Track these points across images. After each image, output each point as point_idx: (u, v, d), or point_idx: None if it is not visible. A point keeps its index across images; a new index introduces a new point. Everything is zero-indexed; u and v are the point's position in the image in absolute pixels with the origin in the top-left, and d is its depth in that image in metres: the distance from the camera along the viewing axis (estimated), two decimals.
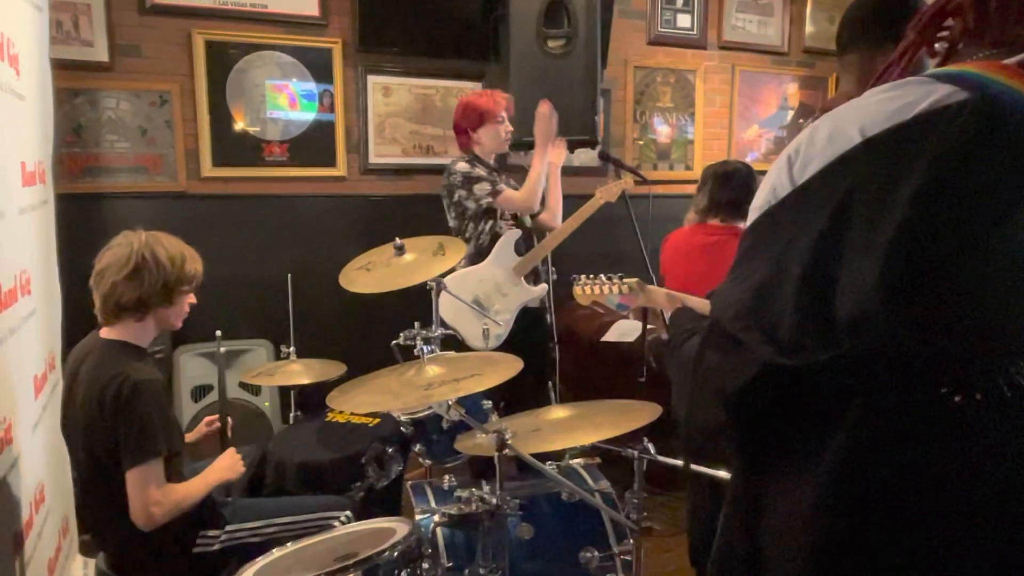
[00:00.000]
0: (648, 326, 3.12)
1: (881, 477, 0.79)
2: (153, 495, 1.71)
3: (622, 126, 4.14)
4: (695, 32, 4.21)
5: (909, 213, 0.71)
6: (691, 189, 4.33)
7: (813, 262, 0.77)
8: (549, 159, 2.86)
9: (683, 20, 4.19)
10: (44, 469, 2.22)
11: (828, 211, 0.76)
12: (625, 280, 1.86)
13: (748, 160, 4.51)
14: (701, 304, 1.65)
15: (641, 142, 4.21)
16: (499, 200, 2.78)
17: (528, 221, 2.94)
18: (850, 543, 0.80)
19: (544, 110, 2.85)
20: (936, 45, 0.94)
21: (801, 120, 4.59)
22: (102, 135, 3.13)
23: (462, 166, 2.83)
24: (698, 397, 0.94)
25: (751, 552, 0.89)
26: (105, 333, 1.90)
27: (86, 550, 2.71)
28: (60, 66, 2.72)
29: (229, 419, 2.13)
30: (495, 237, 2.84)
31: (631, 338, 3.34)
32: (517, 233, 2.88)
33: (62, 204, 2.74)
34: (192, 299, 1.94)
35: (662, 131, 4.26)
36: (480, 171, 2.82)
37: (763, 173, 0.92)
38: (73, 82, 2.99)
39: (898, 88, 0.81)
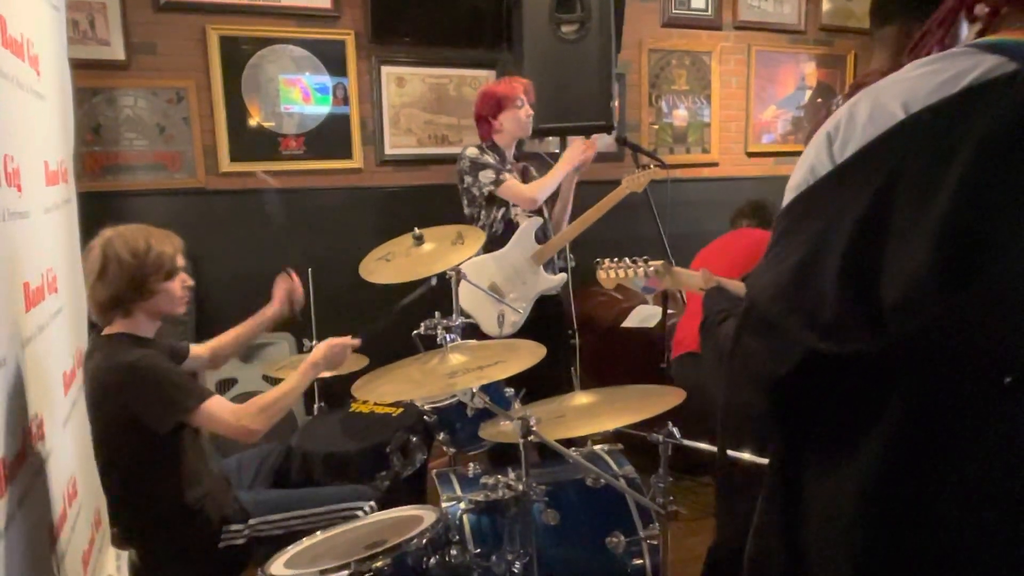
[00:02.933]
0: (668, 311, 3.12)
1: (931, 469, 0.76)
2: (231, 419, 1.72)
3: (637, 110, 4.11)
4: (710, 12, 4.16)
5: (960, 193, 0.69)
6: (708, 172, 4.32)
7: (856, 244, 0.74)
8: (567, 171, 2.87)
9: (697, 1, 4.14)
10: (75, 463, 2.26)
11: (871, 191, 0.74)
12: (651, 263, 1.84)
13: (765, 142, 4.46)
14: (734, 285, 1.62)
15: (657, 126, 4.18)
16: (500, 190, 2.77)
17: (545, 212, 2.93)
18: (898, 538, 0.78)
19: (584, 145, 2.90)
20: (976, 9, 0.89)
21: (819, 99, 4.52)
22: (121, 133, 3.16)
23: (471, 151, 2.82)
24: (735, 383, 0.91)
25: (790, 548, 0.87)
26: (107, 331, 1.92)
27: (119, 543, 2.76)
28: (78, 66, 2.74)
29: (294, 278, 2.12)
30: (509, 224, 2.83)
31: (651, 324, 3.33)
32: (538, 221, 2.87)
33: (84, 203, 2.77)
34: (183, 281, 1.90)
35: (678, 114, 4.22)
36: (488, 158, 2.81)
37: (782, 155, 0.90)
38: (91, 81, 3.02)
39: (942, 60, 0.78)
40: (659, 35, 4.09)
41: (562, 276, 2.94)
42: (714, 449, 1.79)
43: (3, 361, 1.51)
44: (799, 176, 0.85)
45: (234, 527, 1.84)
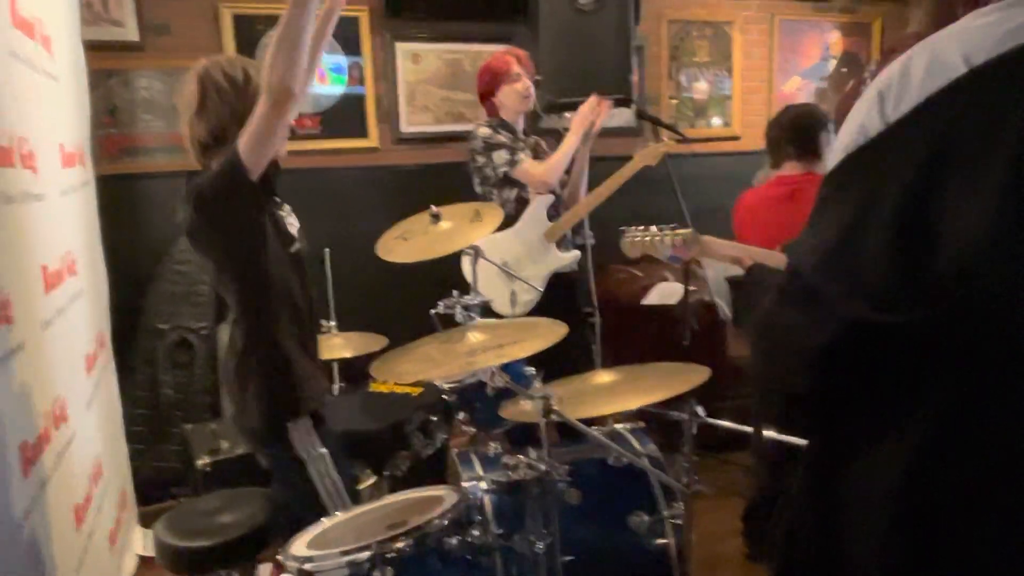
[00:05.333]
0: (690, 287, 3.07)
1: (982, 450, 0.72)
2: (261, 108, 1.51)
3: (657, 83, 4.02)
4: None
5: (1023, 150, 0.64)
6: (730, 147, 4.23)
7: (910, 207, 0.69)
8: (579, 137, 2.77)
9: None
10: (100, 445, 2.28)
11: (928, 150, 0.69)
12: (678, 231, 1.78)
13: None
14: (767, 256, 1.57)
15: (677, 99, 4.09)
16: (516, 172, 2.73)
17: (557, 189, 2.88)
18: (944, 521, 0.74)
19: (591, 102, 2.77)
20: None
21: (844, 69, 4.40)
22: (137, 115, 3.15)
23: (483, 131, 2.77)
24: (773, 356, 0.87)
25: (829, 523, 0.84)
26: None
27: (144, 522, 2.80)
28: (92, 47, 2.73)
29: None
30: (522, 203, 2.78)
31: (672, 301, 3.29)
32: (550, 198, 2.82)
33: (102, 186, 2.78)
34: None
35: (698, 87, 4.13)
36: (501, 137, 2.76)
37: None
38: (106, 63, 3.00)
39: (1007, 8, 0.72)
40: (679, 5, 3.99)
41: (575, 253, 2.89)
42: (738, 427, 1.76)
43: (21, 344, 1.52)
44: (847, 136, 0.79)
45: (314, 430, 1.74)
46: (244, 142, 1.54)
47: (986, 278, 0.65)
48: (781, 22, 4.19)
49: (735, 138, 4.23)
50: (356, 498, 1.91)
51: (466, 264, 2.57)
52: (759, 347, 0.89)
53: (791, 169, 2.56)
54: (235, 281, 1.67)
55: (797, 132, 2.55)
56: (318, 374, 1.84)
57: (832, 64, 4.41)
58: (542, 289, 2.79)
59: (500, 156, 2.72)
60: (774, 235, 2.60)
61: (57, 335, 1.85)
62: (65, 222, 2.09)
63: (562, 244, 2.88)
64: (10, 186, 1.54)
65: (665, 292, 3.36)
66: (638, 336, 3.46)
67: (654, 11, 3.89)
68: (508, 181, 2.77)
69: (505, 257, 2.74)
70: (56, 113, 2.10)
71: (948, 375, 0.72)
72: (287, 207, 1.83)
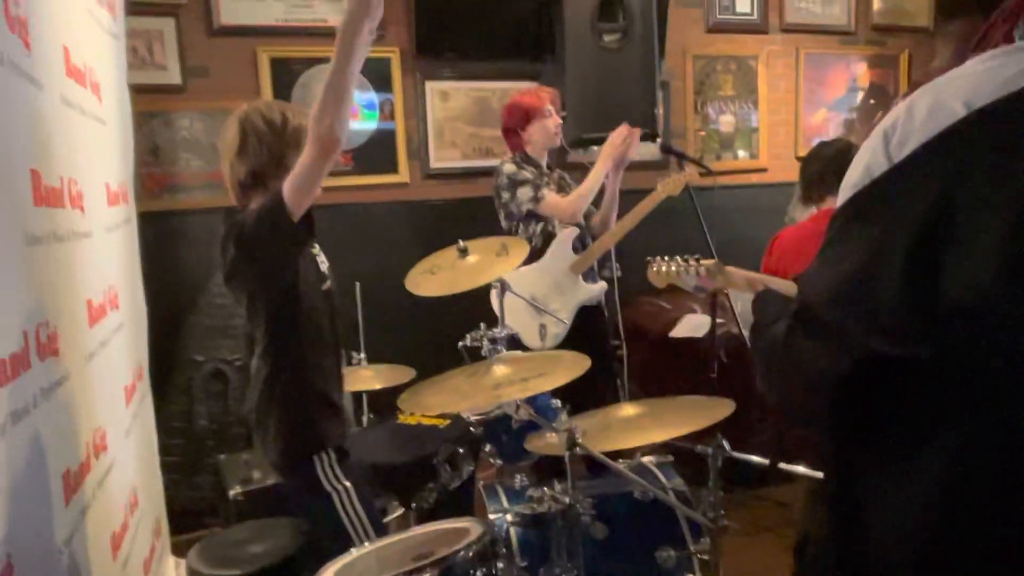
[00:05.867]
0: (717, 320, 3.06)
1: (999, 478, 0.73)
2: (309, 150, 1.57)
3: (683, 117, 4.06)
4: (755, 16, 4.10)
5: None
6: (757, 179, 4.24)
7: (919, 245, 0.71)
8: (607, 169, 2.81)
9: (742, 5, 4.08)
10: (136, 474, 2.34)
11: (933, 191, 0.71)
12: (703, 261, 1.80)
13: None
14: (786, 286, 1.58)
15: (703, 133, 4.13)
16: (541, 207, 2.77)
17: (583, 221, 2.92)
18: (965, 547, 0.75)
19: (621, 131, 2.80)
20: None
21: (872, 101, 4.40)
22: (178, 154, 3.27)
23: (508, 168, 2.82)
24: (789, 387, 0.89)
25: (850, 556, 0.85)
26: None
27: (177, 551, 2.84)
28: (137, 90, 2.86)
29: None
30: (548, 237, 2.83)
31: (700, 333, 3.28)
32: (575, 232, 2.86)
33: (143, 221, 2.88)
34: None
35: (725, 120, 4.16)
36: (526, 173, 2.80)
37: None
38: (149, 105, 3.13)
39: (1005, 55, 0.75)
40: (704, 41, 4.05)
41: (602, 285, 2.91)
42: (762, 461, 1.75)
43: (67, 375, 1.58)
44: (855, 175, 0.82)
45: (337, 464, 1.78)
46: (289, 185, 1.61)
47: (991, 316, 0.67)
48: (806, 55, 4.22)
49: (762, 170, 4.25)
50: (382, 530, 1.93)
51: (494, 297, 2.61)
52: (776, 376, 0.90)
53: (834, 203, 2.55)
54: (267, 317, 1.73)
55: (843, 166, 2.55)
56: (343, 409, 1.88)
57: (859, 96, 4.41)
58: (569, 322, 2.81)
59: (524, 193, 2.77)
60: (796, 268, 2.58)
61: (99, 367, 1.91)
62: (109, 258, 2.17)
63: (588, 276, 2.91)
64: (60, 226, 1.62)
65: (693, 324, 3.35)
66: (666, 368, 3.45)
67: (679, 47, 3.95)
68: (533, 216, 2.81)
69: (533, 291, 2.78)
70: (103, 154, 2.20)
71: (963, 407, 0.73)
72: (318, 246, 1.89)
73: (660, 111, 3.42)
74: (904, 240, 0.72)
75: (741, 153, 4.21)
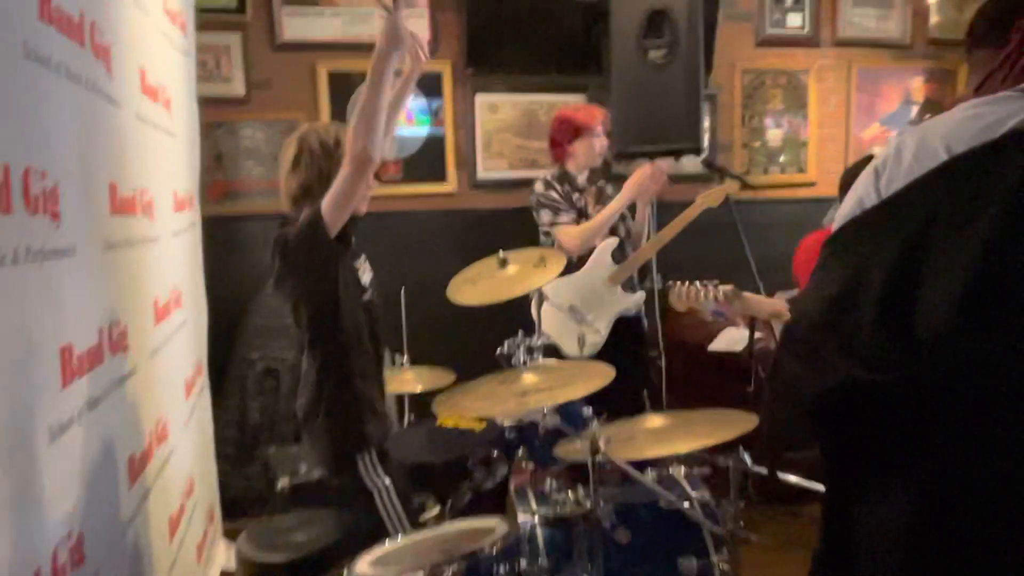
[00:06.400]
0: (756, 335, 3.07)
1: (972, 496, 0.78)
2: (346, 168, 1.70)
3: (730, 131, 4.07)
4: (807, 30, 4.08)
5: (992, 235, 0.72)
6: (805, 193, 4.21)
7: (895, 278, 0.78)
8: (624, 204, 2.85)
9: (794, 19, 4.07)
10: (193, 462, 2.50)
11: (911, 227, 0.78)
12: (720, 287, 1.87)
13: None
14: None
15: (752, 146, 4.13)
16: (555, 232, 2.83)
17: (622, 230, 2.96)
18: (944, 561, 0.80)
19: (644, 171, 2.85)
20: None
21: (927, 116, 4.32)
22: (240, 162, 3.46)
23: (539, 187, 2.90)
24: (779, 402, 0.96)
25: (845, 558, 0.90)
26: None
27: (228, 536, 3.01)
28: (204, 102, 3.04)
29: None
30: (588, 250, 2.90)
31: (738, 348, 3.28)
32: (614, 241, 2.93)
33: (206, 225, 3.06)
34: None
35: (773, 134, 4.15)
36: (553, 194, 2.87)
37: None
38: (215, 115, 3.32)
39: (988, 104, 0.81)
40: (753, 55, 4.05)
41: (640, 295, 2.96)
42: (789, 478, 1.79)
43: (135, 369, 1.73)
44: (847, 206, 0.89)
45: (379, 463, 1.89)
46: (327, 201, 1.74)
47: (953, 349, 0.73)
48: (859, 69, 4.18)
49: (810, 184, 4.22)
50: (418, 525, 2.03)
51: (534, 307, 2.70)
52: (769, 392, 0.97)
53: None
54: (309, 324, 1.86)
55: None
56: (384, 411, 1.99)
57: (914, 110, 4.34)
58: (606, 332, 2.87)
59: (545, 216, 2.86)
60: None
61: (163, 362, 2.07)
62: (175, 260, 2.34)
63: (628, 286, 2.96)
64: (132, 232, 1.78)
65: (732, 339, 3.36)
66: (703, 381, 3.47)
67: (727, 61, 3.96)
68: None
69: (572, 300, 2.85)
70: (172, 164, 2.37)
71: (938, 431, 0.78)
72: (363, 257, 2.01)
73: (706, 124, 3.45)
74: (882, 271, 0.78)
75: (789, 167, 4.19)
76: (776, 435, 0.98)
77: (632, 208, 2.99)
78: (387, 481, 1.91)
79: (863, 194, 0.85)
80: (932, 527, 0.81)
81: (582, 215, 2.92)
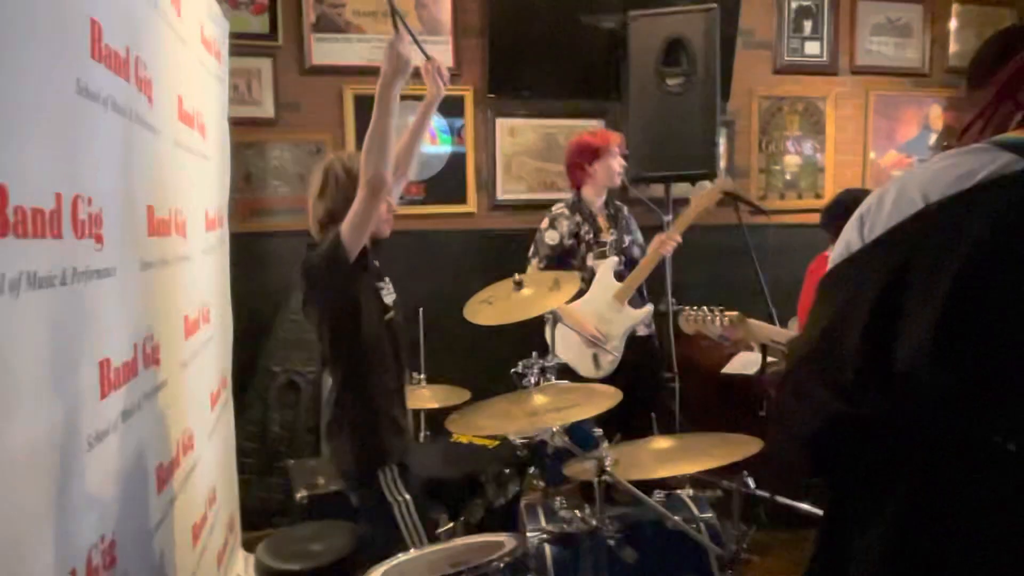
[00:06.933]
0: (768, 359, 3.11)
1: (944, 529, 0.83)
2: (360, 194, 1.77)
3: (747, 156, 4.13)
4: (825, 58, 4.13)
5: (961, 276, 0.78)
6: (818, 218, 4.24)
7: (875, 315, 0.84)
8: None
9: (812, 47, 4.12)
10: (216, 472, 2.59)
11: (891, 268, 0.84)
12: (726, 313, 1.94)
13: None
14: None
15: (771, 170, 4.17)
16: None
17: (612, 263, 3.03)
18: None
19: (661, 238, 2.99)
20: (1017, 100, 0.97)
21: (945, 144, 4.34)
22: (268, 181, 3.58)
23: (544, 223, 3.03)
24: (778, 438, 1.02)
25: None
26: None
27: (247, 546, 3.09)
28: (235, 123, 3.17)
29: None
30: (591, 274, 2.98)
31: (751, 371, 3.31)
32: (615, 260, 3.00)
33: (233, 242, 3.17)
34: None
35: (789, 160, 4.19)
36: (548, 237, 3.00)
37: None
38: (244, 136, 3.44)
39: (963, 155, 0.87)
40: (771, 82, 4.11)
41: (648, 308, 3.01)
42: (791, 502, 1.83)
43: (165, 382, 1.82)
44: (837, 250, 0.95)
45: (399, 478, 1.95)
46: (346, 225, 1.83)
47: (927, 382, 0.79)
48: (877, 96, 4.22)
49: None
50: (434, 539, 2.09)
51: (550, 328, 2.77)
52: (771, 431, 1.03)
53: (831, 248, 2.76)
54: (332, 342, 1.94)
55: (832, 214, 2.82)
56: (406, 428, 2.06)
57: (933, 137, 4.36)
58: (622, 349, 2.93)
59: (532, 250, 3.01)
60: (804, 304, 2.75)
61: (191, 374, 2.17)
62: (205, 277, 2.44)
63: (634, 302, 3.02)
64: (167, 252, 1.87)
65: (746, 362, 3.39)
66: (717, 403, 3.50)
67: (744, 88, 4.03)
68: (571, 254, 2.98)
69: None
70: (204, 184, 2.48)
71: (914, 462, 0.84)
72: (387, 279, 2.09)
73: (722, 151, 3.50)
74: (864, 308, 0.84)
75: (806, 193, 4.23)
76: (778, 465, 1.04)
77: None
78: (408, 496, 1.97)
79: (849, 239, 0.91)
80: (912, 552, 0.85)
81: (588, 247, 3.01)
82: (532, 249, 3.01)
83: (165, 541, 1.80)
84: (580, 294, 2.90)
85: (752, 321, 1.77)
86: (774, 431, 1.03)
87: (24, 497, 1.05)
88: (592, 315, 2.92)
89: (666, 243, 2.95)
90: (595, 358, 2.92)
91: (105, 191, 1.37)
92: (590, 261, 3.01)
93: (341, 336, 1.93)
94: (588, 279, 2.97)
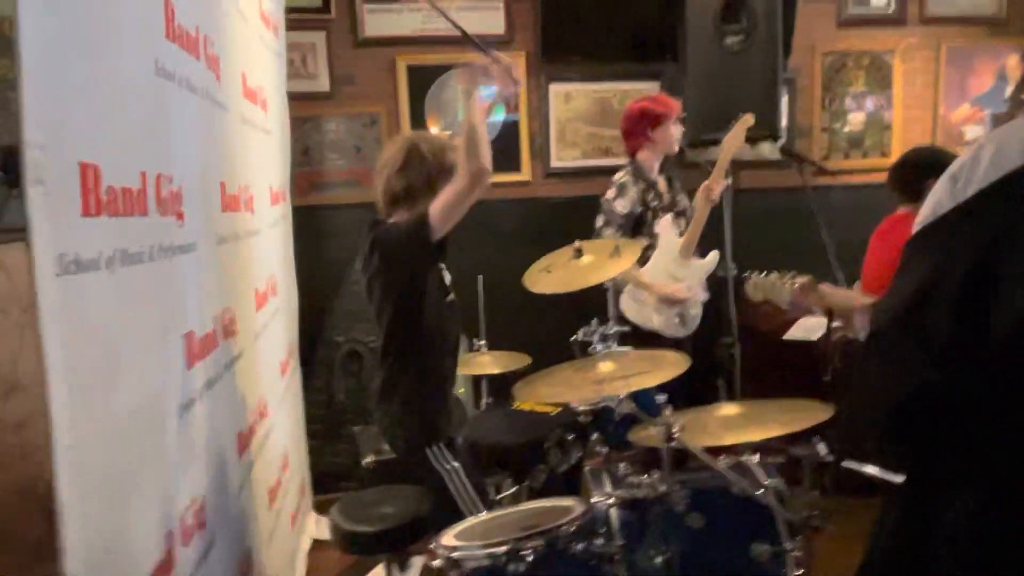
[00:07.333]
0: (833, 324, 3.03)
1: None
2: (458, 184, 1.85)
3: (809, 115, 3.99)
4: (892, 9, 3.94)
5: None
6: (884, 177, 4.09)
7: (970, 280, 0.80)
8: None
9: None
10: (287, 439, 2.69)
11: (988, 232, 0.80)
12: (797, 278, 1.87)
13: (970, 137, 4.12)
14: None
15: (835, 129, 4.03)
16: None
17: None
18: (1011, 561, 0.83)
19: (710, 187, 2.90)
20: None
21: (1023, 94, 4.11)
22: (325, 155, 3.63)
23: (610, 193, 2.95)
24: (859, 402, 0.99)
25: (919, 559, 0.94)
26: (390, 221, 2.05)
27: (318, 508, 3.21)
28: (292, 98, 3.21)
29: None
30: (656, 239, 2.95)
31: (815, 336, 3.25)
32: (670, 219, 2.97)
33: (295, 216, 3.24)
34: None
35: (854, 118, 4.04)
36: (620, 205, 2.93)
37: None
38: (302, 111, 3.49)
39: None
40: (835, 36, 3.95)
41: (715, 253, 2.97)
42: (863, 469, 1.80)
43: (241, 352, 1.89)
44: (926, 211, 0.91)
45: (446, 449, 2.01)
46: (437, 208, 1.86)
47: None
48: (949, 48, 4.01)
49: None
50: (488, 503, 2.12)
51: (624, 297, 2.80)
52: (851, 391, 1.01)
53: (900, 209, 2.79)
54: (393, 319, 1.97)
55: (901, 174, 2.77)
56: (453, 407, 2.10)
57: (1009, 89, 4.13)
58: (705, 297, 2.94)
59: (599, 219, 2.96)
60: (871, 271, 2.69)
61: (262, 345, 2.24)
62: (271, 250, 2.51)
63: (698, 254, 3.00)
64: (238, 227, 1.93)
65: (808, 327, 3.33)
66: (779, 369, 3.44)
67: (806, 44, 3.87)
68: (637, 227, 2.95)
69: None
70: (268, 160, 2.53)
71: (1010, 429, 0.81)
72: (444, 264, 2.13)
73: (784, 110, 3.39)
74: (959, 271, 0.81)
75: (871, 151, 4.07)
76: (851, 430, 1.01)
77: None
78: (456, 464, 2.02)
79: (940, 198, 0.87)
80: (1008, 523, 0.83)
81: (655, 214, 2.96)
82: (601, 220, 2.95)
83: (246, 504, 1.88)
84: (644, 261, 2.90)
85: (824, 286, 1.72)
86: (854, 393, 1.01)
87: (127, 463, 1.11)
88: (664, 276, 2.91)
89: (712, 188, 2.86)
90: (679, 317, 2.92)
91: (183, 169, 1.41)
92: (656, 226, 2.98)
93: (403, 313, 1.97)
94: (650, 246, 2.95)
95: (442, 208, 1.87)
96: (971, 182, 0.84)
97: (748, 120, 2.92)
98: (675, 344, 2.82)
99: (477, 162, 1.83)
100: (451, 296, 2.10)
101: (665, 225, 2.96)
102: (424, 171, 1.98)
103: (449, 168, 1.99)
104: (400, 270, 1.93)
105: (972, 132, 4.15)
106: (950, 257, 0.83)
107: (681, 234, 2.95)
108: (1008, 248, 0.78)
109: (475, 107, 1.90)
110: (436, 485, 2.02)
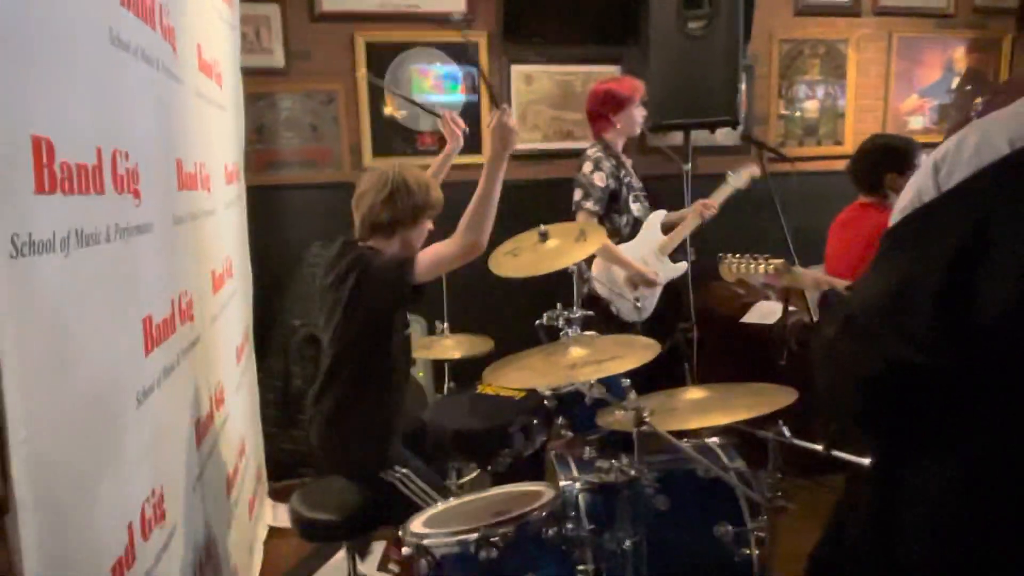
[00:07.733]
0: (790, 308, 3.10)
1: (1017, 479, 0.83)
2: (452, 248, 1.88)
3: (766, 102, 4.05)
4: None
5: None
6: (840, 165, 4.18)
7: (954, 267, 0.81)
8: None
9: None
10: (244, 424, 2.61)
11: (972, 219, 0.80)
12: (771, 261, 1.91)
13: (912, 128, 4.24)
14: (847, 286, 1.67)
15: (788, 116, 4.09)
16: (577, 214, 2.93)
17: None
18: (994, 525, 0.85)
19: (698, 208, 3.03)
20: None
21: (969, 86, 4.25)
22: (280, 133, 3.52)
23: (587, 167, 2.91)
24: (833, 381, 1.00)
25: (885, 532, 0.96)
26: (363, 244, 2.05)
27: (274, 496, 3.15)
28: (246, 73, 3.10)
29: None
30: (636, 223, 2.96)
31: (771, 320, 3.32)
32: (662, 213, 2.99)
33: (249, 196, 3.14)
34: (430, 225, 2.11)
35: (809, 105, 4.11)
36: (598, 177, 2.90)
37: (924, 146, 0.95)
38: (256, 87, 3.37)
39: None
40: (791, 24, 4.00)
41: (683, 265, 3.03)
42: (819, 448, 1.84)
43: (199, 337, 1.82)
44: (906, 199, 0.92)
45: (397, 467, 1.99)
46: (426, 260, 1.87)
47: (1012, 336, 0.77)
48: (900, 39, 4.11)
49: (847, 156, 4.18)
50: (447, 493, 2.09)
51: (595, 281, 2.81)
52: (823, 372, 1.01)
53: (861, 198, 2.82)
54: (355, 343, 1.95)
55: (860, 165, 2.80)
56: (399, 435, 2.09)
57: (956, 81, 4.27)
58: (655, 299, 2.98)
59: (576, 192, 2.91)
60: (832, 259, 2.75)
61: (219, 329, 2.16)
62: (227, 231, 2.42)
63: (675, 256, 3.03)
64: (195, 205, 1.85)
65: (765, 311, 3.39)
66: (735, 353, 3.51)
67: (764, 31, 3.92)
68: (613, 205, 2.94)
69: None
70: (223, 137, 2.43)
71: (989, 412, 0.83)
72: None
73: (743, 97, 3.42)
74: (943, 260, 0.82)
75: (825, 139, 4.16)
76: (835, 413, 1.02)
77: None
78: (405, 470, 1.99)
79: (922, 187, 0.87)
80: (977, 508, 0.85)
81: (628, 190, 2.96)
82: (580, 193, 2.91)
83: (205, 492, 1.82)
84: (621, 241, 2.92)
85: (798, 268, 1.75)
86: (823, 374, 1.01)
87: (83, 453, 1.05)
88: (638, 260, 2.93)
89: (709, 207, 3.03)
90: (636, 301, 2.94)
91: (139, 145, 1.34)
92: (632, 205, 2.98)
93: (367, 342, 1.95)
94: (631, 223, 2.96)
95: (430, 263, 1.88)
96: (954, 171, 0.84)
97: (755, 171, 3.05)
98: (628, 327, 2.86)
99: (476, 236, 1.86)
100: (409, 329, 2.14)
101: (656, 216, 2.99)
102: (410, 204, 1.99)
103: (434, 204, 2.05)
104: (374, 299, 1.91)
105: (917, 122, 4.28)
106: (933, 246, 0.84)
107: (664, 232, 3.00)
108: (991, 234, 0.79)
109: (496, 173, 1.92)
110: (388, 493, 1.99)
